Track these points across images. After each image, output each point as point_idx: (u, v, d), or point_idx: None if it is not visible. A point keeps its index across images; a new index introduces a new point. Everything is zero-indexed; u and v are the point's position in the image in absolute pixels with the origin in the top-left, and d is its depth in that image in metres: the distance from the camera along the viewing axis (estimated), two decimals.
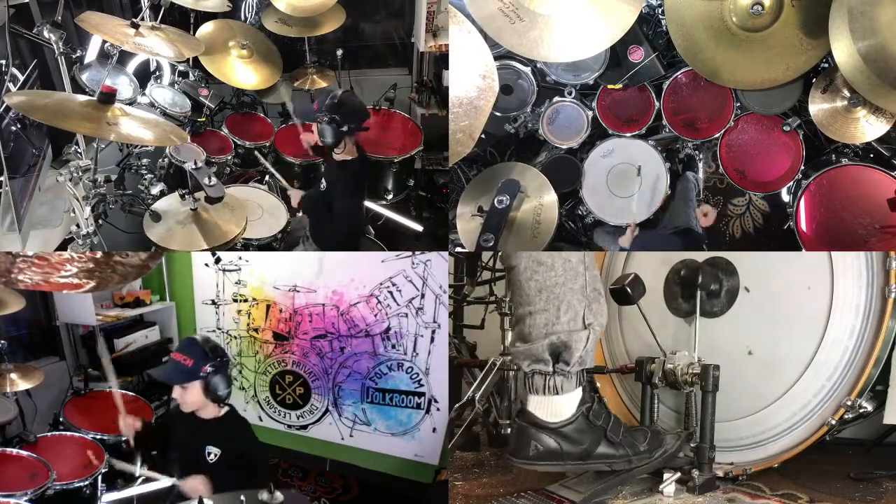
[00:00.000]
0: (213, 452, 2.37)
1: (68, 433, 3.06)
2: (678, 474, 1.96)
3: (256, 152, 3.49)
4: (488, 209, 2.38)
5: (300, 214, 3.21)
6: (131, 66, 3.40)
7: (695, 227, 2.42)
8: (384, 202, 3.60)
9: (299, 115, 3.49)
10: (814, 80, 2.26)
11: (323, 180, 3.11)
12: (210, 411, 2.43)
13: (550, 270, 1.81)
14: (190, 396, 2.37)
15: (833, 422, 1.95)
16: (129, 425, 2.49)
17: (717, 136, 2.45)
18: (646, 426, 2.06)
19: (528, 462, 1.86)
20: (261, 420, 4.10)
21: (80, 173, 2.45)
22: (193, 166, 2.58)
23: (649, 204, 2.54)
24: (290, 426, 4.05)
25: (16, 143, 2.55)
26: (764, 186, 2.46)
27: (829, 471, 2.13)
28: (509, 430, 2.35)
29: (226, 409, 2.46)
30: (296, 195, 3.15)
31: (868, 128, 2.22)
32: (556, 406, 1.85)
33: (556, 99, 2.56)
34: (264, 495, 2.01)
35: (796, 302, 2.04)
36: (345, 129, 2.90)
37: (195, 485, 2.26)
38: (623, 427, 1.93)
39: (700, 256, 2.26)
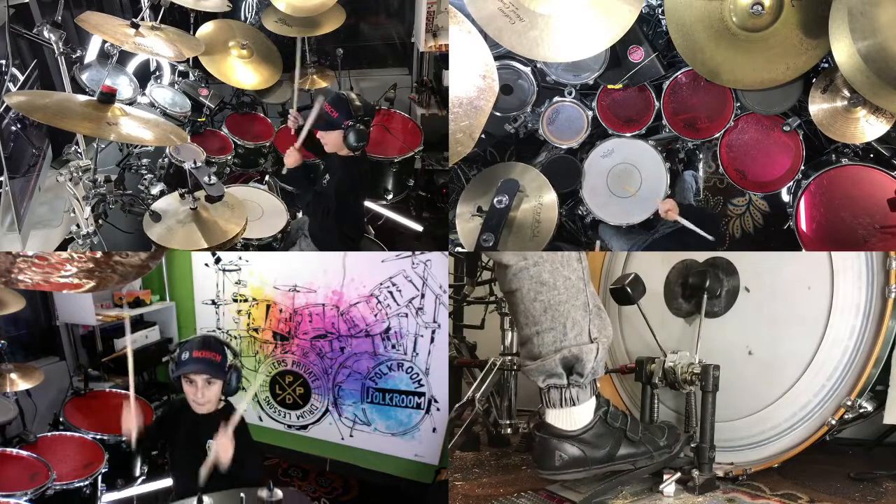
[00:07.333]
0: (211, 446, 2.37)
1: (68, 433, 3.06)
2: (678, 474, 1.96)
3: None
4: (488, 209, 2.38)
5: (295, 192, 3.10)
6: (131, 66, 3.40)
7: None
8: (384, 202, 3.59)
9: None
10: (814, 80, 2.26)
11: (326, 175, 3.02)
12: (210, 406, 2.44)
13: (553, 290, 1.82)
14: (212, 394, 2.38)
15: (833, 422, 1.95)
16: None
17: (717, 135, 2.45)
18: (664, 422, 2.07)
19: (554, 472, 1.88)
20: (261, 420, 4.10)
21: (80, 173, 2.45)
22: (193, 165, 2.58)
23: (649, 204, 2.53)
24: (290, 426, 4.04)
25: (16, 143, 2.55)
26: (764, 186, 2.46)
27: (829, 471, 2.13)
28: (533, 442, 2.30)
29: (223, 403, 2.47)
30: (292, 153, 2.99)
31: (868, 128, 2.22)
32: (575, 416, 1.87)
33: (556, 99, 2.56)
34: (263, 493, 2.01)
35: (796, 302, 2.04)
36: (369, 130, 2.88)
37: (224, 442, 2.23)
38: (641, 425, 1.95)
39: (700, 256, 2.26)
